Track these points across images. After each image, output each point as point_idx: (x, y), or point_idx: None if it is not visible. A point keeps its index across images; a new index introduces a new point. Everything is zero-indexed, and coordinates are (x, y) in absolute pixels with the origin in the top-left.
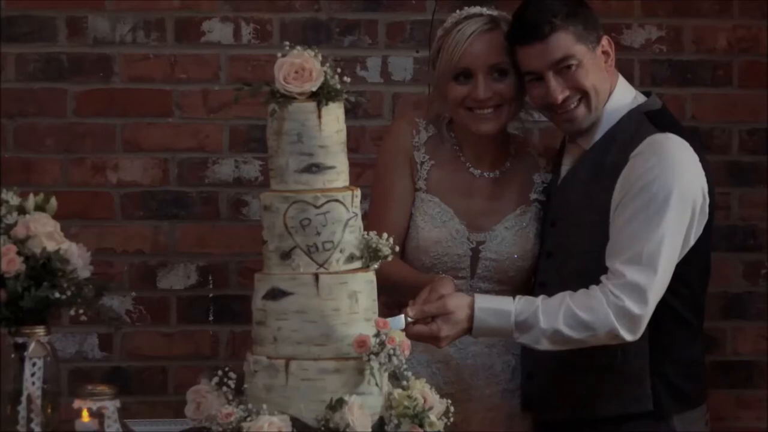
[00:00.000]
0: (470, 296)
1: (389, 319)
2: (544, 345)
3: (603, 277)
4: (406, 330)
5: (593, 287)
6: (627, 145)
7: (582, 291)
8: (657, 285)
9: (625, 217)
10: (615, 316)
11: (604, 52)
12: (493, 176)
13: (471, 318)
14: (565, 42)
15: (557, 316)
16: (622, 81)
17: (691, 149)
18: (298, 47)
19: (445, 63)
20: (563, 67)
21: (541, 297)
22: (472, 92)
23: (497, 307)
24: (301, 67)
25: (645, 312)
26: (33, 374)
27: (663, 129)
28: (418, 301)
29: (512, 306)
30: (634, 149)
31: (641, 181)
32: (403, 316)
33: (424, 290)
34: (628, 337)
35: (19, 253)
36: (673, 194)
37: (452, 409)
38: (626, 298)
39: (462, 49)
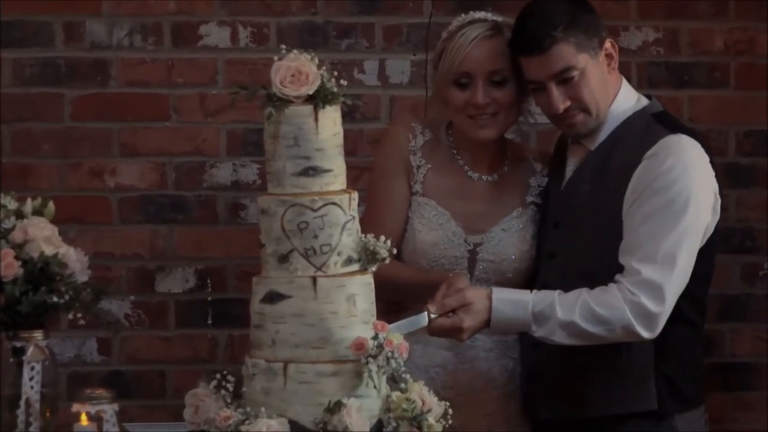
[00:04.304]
0: (488, 288)
1: (411, 318)
2: (560, 337)
3: (618, 275)
4: (429, 326)
5: (611, 284)
6: (637, 146)
7: (599, 287)
8: (674, 283)
9: (641, 216)
10: (631, 312)
11: (608, 55)
12: (491, 180)
13: (489, 309)
14: (565, 54)
15: (574, 308)
16: (625, 83)
17: (702, 150)
18: (295, 51)
19: (447, 66)
20: (565, 78)
21: (558, 291)
22: (471, 98)
23: (515, 298)
24: (297, 70)
25: (662, 310)
26: (31, 378)
27: (673, 130)
28: (437, 296)
29: (530, 297)
30: (646, 150)
31: (659, 181)
32: (425, 313)
33: (441, 286)
34: (646, 334)
35: (16, 258)
36: (692, 196)
37: (450, 411)
38: (642, 295)
39: (464, 53)
